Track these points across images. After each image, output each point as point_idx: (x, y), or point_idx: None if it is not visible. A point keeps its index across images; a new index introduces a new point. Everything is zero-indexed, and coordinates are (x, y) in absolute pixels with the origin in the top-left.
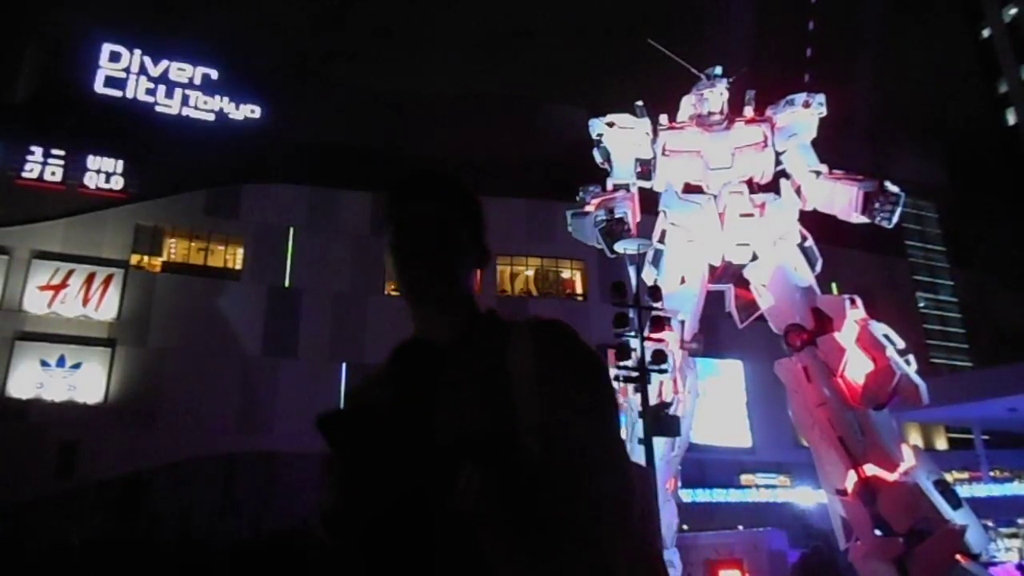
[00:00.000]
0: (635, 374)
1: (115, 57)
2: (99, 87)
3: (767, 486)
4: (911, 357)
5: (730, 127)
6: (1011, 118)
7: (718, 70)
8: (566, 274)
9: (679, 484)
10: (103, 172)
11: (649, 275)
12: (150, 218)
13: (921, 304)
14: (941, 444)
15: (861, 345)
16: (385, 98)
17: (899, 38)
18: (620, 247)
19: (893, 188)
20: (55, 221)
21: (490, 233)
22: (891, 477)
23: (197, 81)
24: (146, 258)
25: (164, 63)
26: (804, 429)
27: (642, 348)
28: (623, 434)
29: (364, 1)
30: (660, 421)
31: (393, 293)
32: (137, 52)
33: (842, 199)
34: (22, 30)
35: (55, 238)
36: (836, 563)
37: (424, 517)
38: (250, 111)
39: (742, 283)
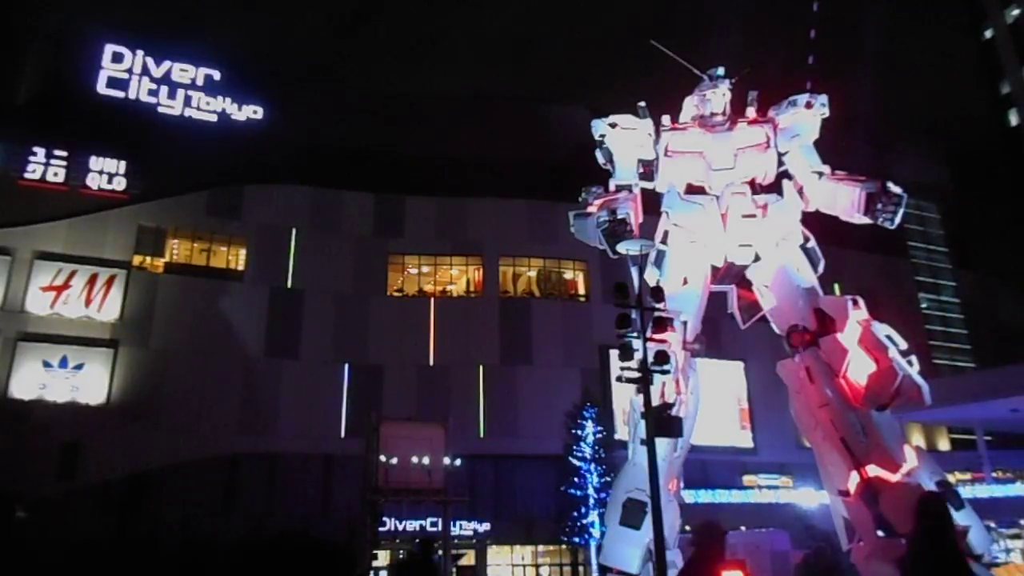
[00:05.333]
0: (637, 375)
1: (118, 58)
2: (102, 88)
3: (769, 487)
4: (913, 358)
5: (732, 128)
6: (1013, 119)
7: (720, 71)
8: (568, 275)
9: (681, 485)
10: (105, 173)
11: (651, 276)
12: (152, 219)
13: (923, 305)
14: (944, 445)
15: (863, 346)
16: (388, 100)
17: (902, 39)
18: (622, 248)
19: (895, 189)
20: (57, 222)
21: (492, 234)
22: (893, 478)
23: (199, 82)
24: (148, 259)
25: (167, 64)
26: (806, 430)
27: (644, 349)
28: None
29: (375, 7)
30: (662, 422)
31: (395, 294)
32: (139, 53)
33: (844, 200)
34: (24, 31)
35: (57, 239)
36: (839, 564)
37: None
38: (252, 112)
39: (744, 284)
